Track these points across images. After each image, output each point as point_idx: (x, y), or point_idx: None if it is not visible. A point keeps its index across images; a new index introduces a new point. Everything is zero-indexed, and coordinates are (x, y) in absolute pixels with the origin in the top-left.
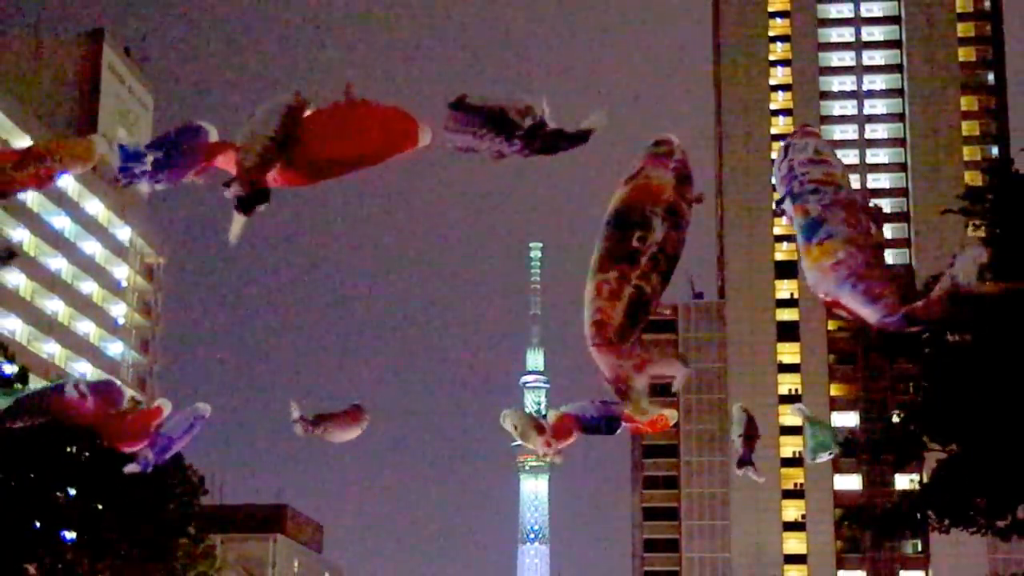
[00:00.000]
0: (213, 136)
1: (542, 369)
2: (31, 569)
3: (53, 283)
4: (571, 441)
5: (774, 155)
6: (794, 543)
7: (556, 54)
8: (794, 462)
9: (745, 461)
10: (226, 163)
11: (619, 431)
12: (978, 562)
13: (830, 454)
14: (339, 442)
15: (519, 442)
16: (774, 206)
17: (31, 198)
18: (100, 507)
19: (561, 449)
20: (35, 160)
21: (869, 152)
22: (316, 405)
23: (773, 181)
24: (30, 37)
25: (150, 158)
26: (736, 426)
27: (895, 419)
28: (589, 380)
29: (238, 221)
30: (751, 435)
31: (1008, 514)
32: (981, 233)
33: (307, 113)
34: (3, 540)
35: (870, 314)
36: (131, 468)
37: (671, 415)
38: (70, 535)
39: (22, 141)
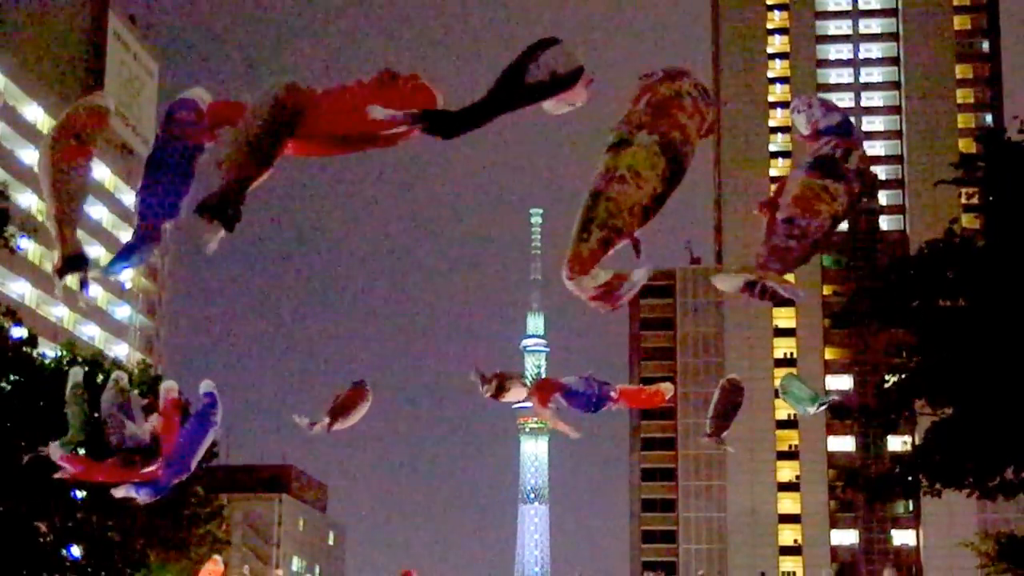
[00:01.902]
0: (205, 101)
1: (542, 333)
2: (42, 527)
3: None
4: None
5: (772, 123)
6: (788, 503)
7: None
8: (788, 424)
9: (715, 434)
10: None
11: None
12: (967, 521)
13: (820, 405)
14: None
15: (520, 405)
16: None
17: (39, 164)
18: None
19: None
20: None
21: (865, 119)
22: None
23: (771, 148)
24: (37, 5)
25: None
26: (712, 406)
27: (888, 383)
28: (587, 344)
29: (213, 231)
30: (726, 411)
31: (997, 475)
32: (974, 200)
33: (310, 92)
34: (15, 499)
35: (773, 256)
36: (144, 497)
37: (667, 388)
38: (80, 494)
39: (30, 108)
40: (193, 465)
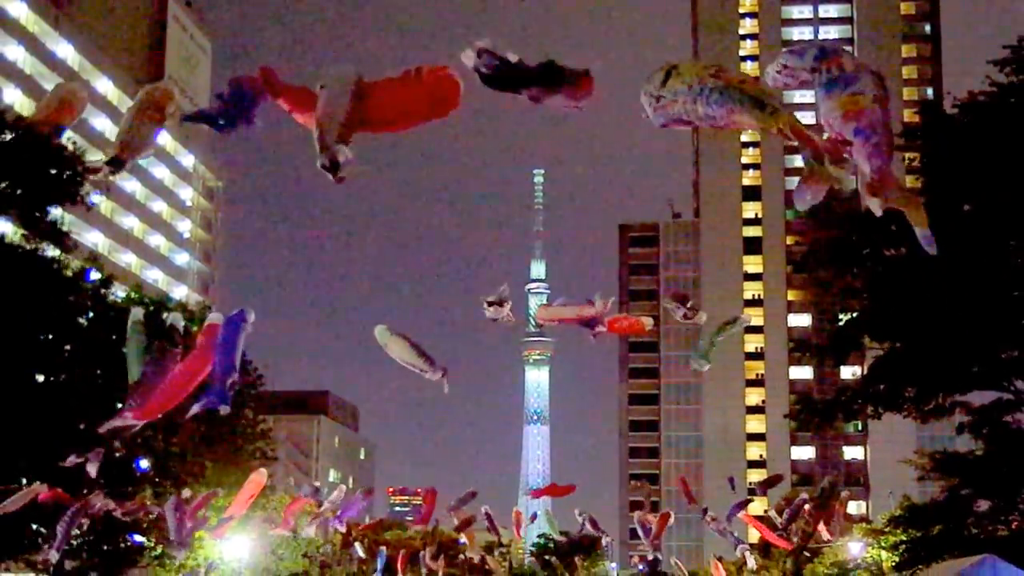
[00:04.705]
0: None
1: (544, 277)
2: (116, 443)
3: (129, 203)
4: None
5: None
6: (755, 424)
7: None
8: (756, 356)
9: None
10: (296, 109)
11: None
12: (908, 439)
13: (695, 358)
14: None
15: (526, 339)
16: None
17: (108, 129)
18: None
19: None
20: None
21: None
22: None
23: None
24: None
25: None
26: (674, 312)
27: (841, 321)
28: (583, 287)
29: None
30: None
31: (932, 400)
32: (916, 164)
33: (367, 82)
34: (91, 419)
35: (867, 164)
36: (210, 406)
37: (648, 322)
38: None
39: (101, 81)
40: (237, 362)
